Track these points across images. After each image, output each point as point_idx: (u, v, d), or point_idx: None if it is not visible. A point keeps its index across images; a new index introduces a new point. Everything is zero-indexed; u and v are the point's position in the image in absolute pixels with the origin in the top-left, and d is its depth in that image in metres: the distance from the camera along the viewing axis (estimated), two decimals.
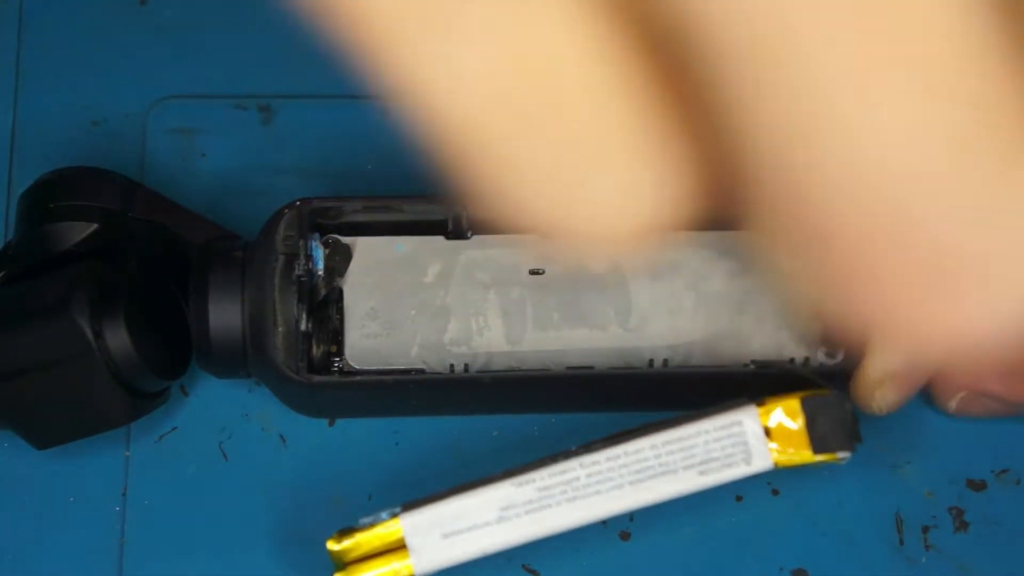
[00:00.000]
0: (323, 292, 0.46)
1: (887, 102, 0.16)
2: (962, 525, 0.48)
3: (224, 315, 0.45)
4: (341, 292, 0.47)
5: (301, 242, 0.45)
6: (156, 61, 0.53)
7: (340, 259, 0.47)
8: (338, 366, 0.46)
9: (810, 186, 0.17)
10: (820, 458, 0.44)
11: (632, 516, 0.48)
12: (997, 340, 0.18)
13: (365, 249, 0.47)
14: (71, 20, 0.53)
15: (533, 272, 0.47)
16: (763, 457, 0.43)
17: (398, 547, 0.43)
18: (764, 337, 0.47)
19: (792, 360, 0.46)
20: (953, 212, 0.17)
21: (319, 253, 0.46)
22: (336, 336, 0.46)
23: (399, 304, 0.47)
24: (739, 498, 0.48)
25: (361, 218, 0.47)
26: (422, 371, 0.46)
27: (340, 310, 0.46)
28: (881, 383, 0.46)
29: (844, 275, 0.18)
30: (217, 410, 0.49)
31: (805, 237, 0.18)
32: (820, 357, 0.46)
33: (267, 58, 0.53)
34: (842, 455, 0.44)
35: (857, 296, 0.18)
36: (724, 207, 0.19)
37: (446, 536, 0.43)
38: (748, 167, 0.18)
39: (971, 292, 0.17)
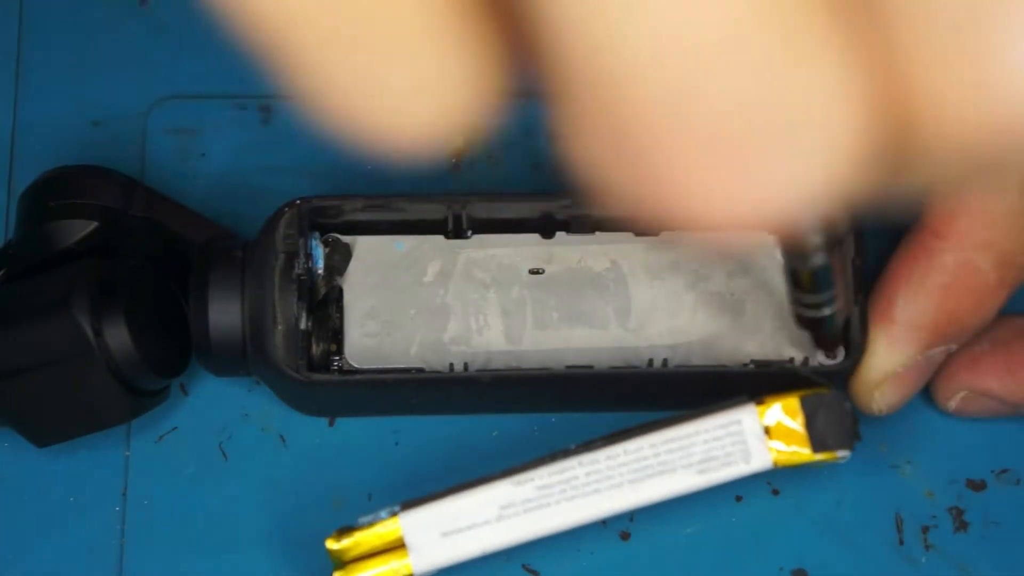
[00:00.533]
0: (323, 291, 0.46)
1: None
2: (962, 525, 0.48)
3: (224, 313, 0.45)
4: (341, 291, 0.47)
5: (301, 241, 0.45)
6: (156, 61, 0.53)
7: (340, 258, 0.47)
8: (338, 365, 0.46)
9: (599, 64, 0.18)
10: (819, 457, 0.44)
11: (632, 516, 0.48)
12: (780, 208, 0.18)
13: (365, 248, 0.47)
14: (71, 20, 0.53)
15: (533, 271, 0.47)
16: (762, 456, 0.43)
17: (397, 546, 0.43)
18: (763, 337, 0.47)
19: (791, 360, 0.46)
20: (735, 86, 0.18)
21: (319, 252, 0.46)
22: (336, 335, 0.46)
23: (399, 303, 0.47)
24: (739, 498, 0.48)
25: (361, 217, 0.47)
26: (421, 370, 0.46)
27: (340, 309, 0.46)
28: (880, 384, 0.46)
29: (635, 151, 0.18)
30: (217, 410, 0.49)
31: (598, 116, 0.18)
32: (819, 357, 0.46)
33: None
34: (841, 454, 0.44)
35: (647, 171, 0.18)
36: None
37: (445, 535, 0.43)
38: (544, 50, 0.18)
39: (755, 162, 0.18)
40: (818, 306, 0.43)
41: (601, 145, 0.18)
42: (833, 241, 0.41)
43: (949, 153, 0.18)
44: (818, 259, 0.41)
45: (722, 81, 0.18)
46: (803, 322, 0.44)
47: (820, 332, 0.44)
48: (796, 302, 0.43)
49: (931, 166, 0.19)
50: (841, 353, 0.46)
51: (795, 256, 0.41)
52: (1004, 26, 0.17)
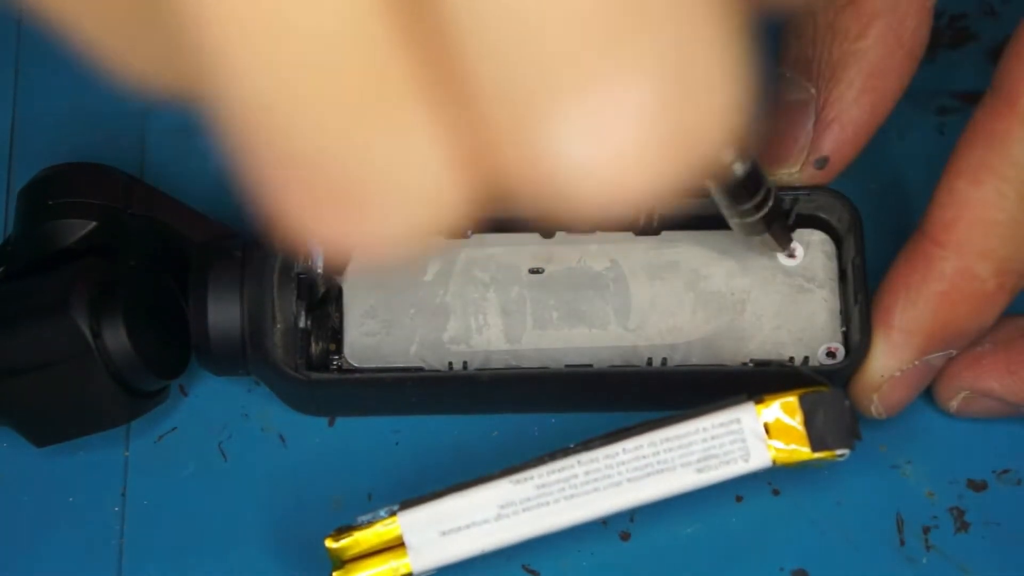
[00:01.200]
0: (322, 290, 0.46)
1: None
2: (963, 525, 0.48)
3: (223, 312, 0.45)
4: (340, 290, 0.47)
5: None
6: None
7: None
8: (337, 364, 0.46)
9: (238, 115, 0.20)
10: (818, 455, 0.43)
11: (632, 516, 0.48)
12: (387, 248, 0.21)
13: None
14: None
15: (532, 271, 0.47)
16: (761, 454, 0.43)
17: (396, 545, 0.43)
18: (763, 336, 0.47)
19: (791, 359, 0.46)
20: (343, 143, 0.20)
21: (319, 250, 0.46)
22: (335, 334, 0.46)
23: (398, 302, 0.47)
24: (739, 498, 0.48)
25: None
26: (421, 369, 0.46)
27: (339, 308, 0.47)
28: (878, 387, 0.46)
29: (277, 194, 0.21)
30: (216, 410, 0.49)
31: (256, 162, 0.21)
32: (820, 357, 0.46)
33: None
34: (841, 452, 0.44)
35: (285, 209, 0.21)
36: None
37: (444, 534, 0.43)
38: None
39: (360, 208, 0.21)
40: (758, 206, 0.43)
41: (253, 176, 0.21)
42: (745, 149, 0.41)
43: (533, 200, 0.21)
44: (739, 168, 0.41)
45: (321, 138, 0.20)
46: (751, 228, 0.44)
47: (771, 230, 0.44)
48: (738, 215, 0.43)
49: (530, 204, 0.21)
50: (841, 352, 0.46)
51: (718, 176, 0.41)
52: (550, 120, 0.20)
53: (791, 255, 0.47)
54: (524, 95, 0.20)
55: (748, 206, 0.43)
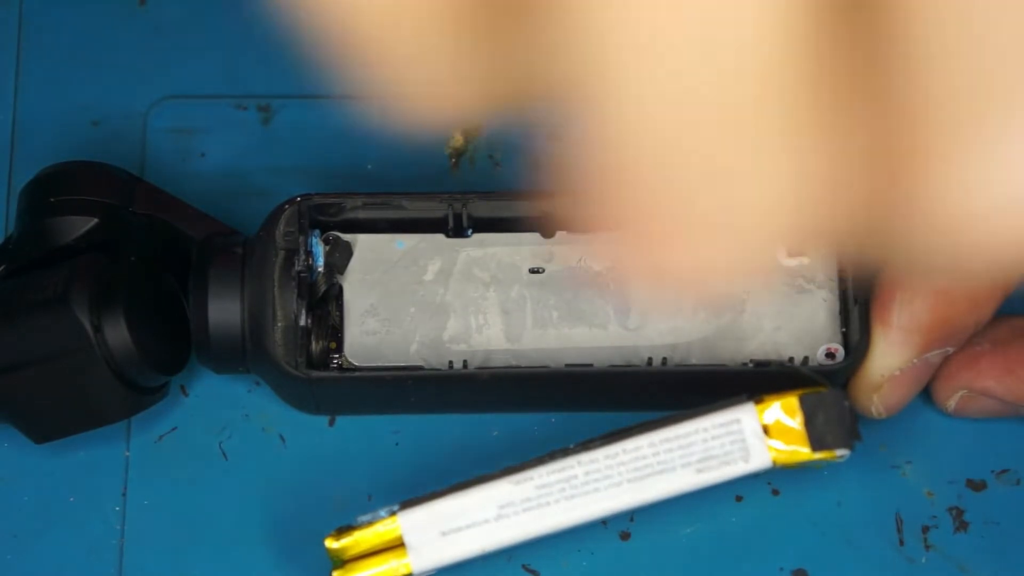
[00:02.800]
0: (323, 288, 0.46)
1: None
2: (962, 525, 0.48)
3: (223, 310, 0.45)
4: (341, 289, 0.47)
5: (301, 238, 0.45)
6: (156, 61, 0.53)
7: (340, 256, 0.47)
8: (337, 362, 0.46)
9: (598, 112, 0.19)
10: (818, 456, 0.43)
11: (632, 516, 0.48)
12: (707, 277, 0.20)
13: (365, 246, 0.47)
14: (71, 20, 0.53)
15: (533, 270, 0.47)
16: (761, 455, 0.43)
17: (396, 545, 0.43)
18: (763, 337, 0.47)
19: (791, 359, 0.46)
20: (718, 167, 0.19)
21: (319, 249, 0.46)
22: (336, 333, 0.46)
23: (399, 301, 0.47)
24: (739, 498, 0.48)
25: (361, 215, 0.47)
26: (421, 368, 0.46)
27: (340, 307, 0.47)
28: (878, 387, 0.46)
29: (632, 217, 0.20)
30: (217, 410, 0.49)
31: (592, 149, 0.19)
32: (820, 357, 0.46)
33: (267, 58, 0.53)
34: (840, 453, 0.44)
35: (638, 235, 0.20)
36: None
37: (444, 534, 0.43)
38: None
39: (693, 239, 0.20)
40: None
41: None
42: None
43: (931, 238, 0.19)
44: None
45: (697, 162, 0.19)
46: None
47: None
48: None
49: (909, 245, 0.19)
50: (841, 352, 0.46)
51: None
52: (991, 142, 0.17)
53: (793, 255, 0.47)
54: (967, 107, 0.17)
55: None
